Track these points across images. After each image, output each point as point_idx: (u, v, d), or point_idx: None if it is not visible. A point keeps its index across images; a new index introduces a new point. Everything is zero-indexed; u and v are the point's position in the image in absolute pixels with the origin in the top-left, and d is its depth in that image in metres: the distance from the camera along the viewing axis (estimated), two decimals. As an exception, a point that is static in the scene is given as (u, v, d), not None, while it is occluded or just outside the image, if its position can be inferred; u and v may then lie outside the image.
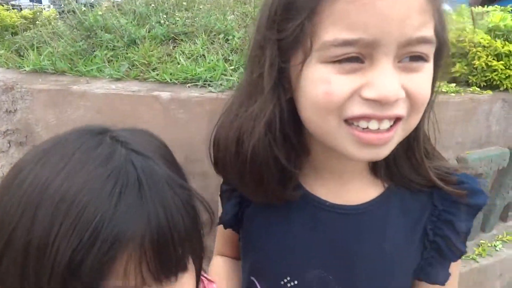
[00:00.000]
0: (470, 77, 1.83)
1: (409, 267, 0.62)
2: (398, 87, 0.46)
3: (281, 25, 0.49)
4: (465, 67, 1.81)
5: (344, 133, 0.50)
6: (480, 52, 1.73)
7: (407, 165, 0.58)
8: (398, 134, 0.52)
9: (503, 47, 1.73)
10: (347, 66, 0.47)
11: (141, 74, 1.72)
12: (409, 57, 0.48)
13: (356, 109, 0.48)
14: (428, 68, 0.50)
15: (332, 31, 0.45)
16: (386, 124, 0.49)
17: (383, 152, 0.51)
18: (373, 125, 0.48)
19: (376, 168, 0.60)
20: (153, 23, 2.09)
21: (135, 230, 0.41)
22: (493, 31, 1.80)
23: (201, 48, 1.88)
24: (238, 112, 0.56)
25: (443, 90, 1.71)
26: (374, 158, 0.52)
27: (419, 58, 0.48)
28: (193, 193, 0.49)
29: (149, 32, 2.05)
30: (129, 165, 0.43)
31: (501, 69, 1.76)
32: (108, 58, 1.88)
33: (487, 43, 1.72)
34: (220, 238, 0.78)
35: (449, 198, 0.59)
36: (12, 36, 2.42)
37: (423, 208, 0.61)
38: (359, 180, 0.61)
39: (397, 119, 0.50)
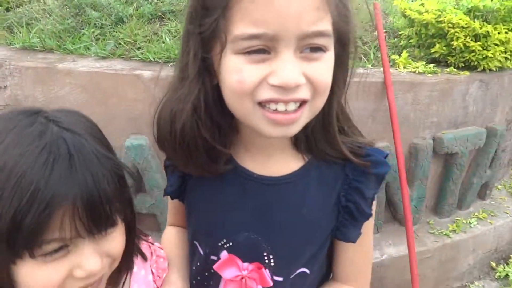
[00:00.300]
0: (449, 57, 1.87)
1: (326, 229, 0.69)
2: (297, 75, 0.52)
3: (201, 20, 0.55)
4: (444, 48, 1.84)
5: (258, 115, 0.56)
6: (458, 33, 1.76)
7: (323, 140, 0.65)
8: (305, 115, 0.58)
9: (481, 28, 1.75)
10: (256, 57, 0.53)
11: (126, 52, 1.76)
12: (309, 48, 0.54)
13: (265, 93, 0.54)
14: (327, 57, 0.56)
15: (240, 26, 0.51)
16: (292, 106, 0.55)
17: (292, 130, 0.58)
18: (281, 107, 0.54)
19: (297, 144, 0.66)
20: (141, 1, 2.12)
21: (66, 193, 0.49)
22: (472, 12, 1.82)
23: (187, 27, 1.92)
24: (172, 95, 0.62)
25: (419, 71, 1.75)
26: (284, 135, 0.60)
27: (318, 49, 0.54)
28: (118, 163, 0.57)
29: (137, 10, 2.08)
30: (61, 140, 0.50)
31: (479, 50, 1.79)
32: (96, 36, 1.92)
33: (466, 24, 1.75)
34: (170, 209, 0.85)
35: (359, 169, 0.66)
36: (5, 11, 2.45)
37: (337, 178, 0.68)
38: (282, 154, 0.67)
39: (302, 102, 0.56)
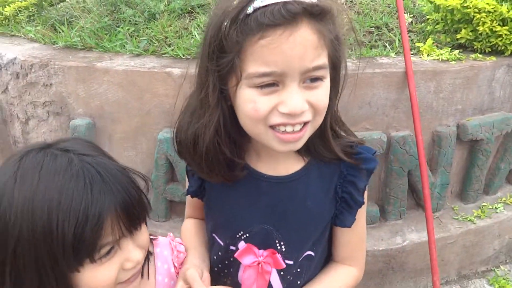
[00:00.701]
0: (475, 43, 1.85)
1: (326, 217, 0.81)
2: (302, 103, 0.64)
3: (218, 60, 0.66)
4: (470, 33, 1.83)
5: (270, 135, 0.68)
6: (484, 17, 1.74)
7: (320, 146, 0.77)
8: (308, 132, 0.71)
9: (508, 12, 1.72)
10: (267, 90, 0.65)
11: (158, 49, 1.88)
12: (310, 79, 0.66)
13: (276, 119, 0.66)
14: (325, 84, 0.68)
15: (253, 66, 0.63)
16: (298, 127, 0.68)
17: (297, 145, 0.71)
18: (289, 128, 0.67)
19: (299, 149, 0.76)
20: (172, -3, 2.22)
21: (109, 204, 0.62)
22: (499, -4, 1.79)
23: (214, 21, 2.00)
24: (192, 119, 0.74)
25: (443, 58, 1.76)
26: (291, 150, 0.73)
27: (317, 79, 0.66)
28: (131, 171, 0.71)
29: (168, 5, 2.19)
30: (87, 165, 0.63)
31: (506, 35, 1.76)
32: (130, 33, 2.05)
33: (492, 8, 1.72)
34: (188, 205, 0.98)
35: (352, 165, 0.79)
36: (49, 7, 2.62)
37: (334, 174, 0.80)
38: (287, 158, 0.80)
39: (305, 123, 0.68)
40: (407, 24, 2.06)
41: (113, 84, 1.73)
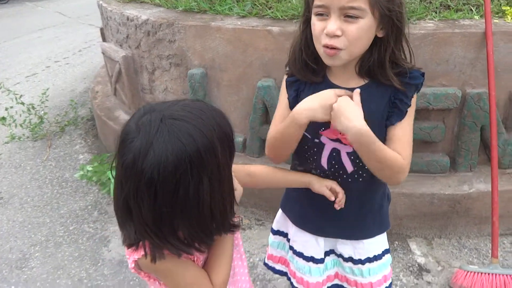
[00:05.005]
0: None
1: (383, 118, 1.05)
2: (335, 29, 0.91)
3: (305, 2, 1.00)
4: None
5: (321, 50, 0.97)
6: None
7: (378, 73, 1.02)
8: (344, 55, 0.95)
9: None
10: (320, 17, 0.94)
11: (260, 12, 2.21)
12: (346, 15, 0.91)
13: (323, 39, 0.94)
14: (360, 22, 0.91)
15: (316, 1, 0.94)
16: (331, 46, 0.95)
17: (336, 61, 0.97)
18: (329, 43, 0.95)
19: (360, 73, 1.03)
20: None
21: None
22: None
23: (310, -13, 2.27)
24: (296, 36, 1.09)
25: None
26: (332, 65, 1.00)
27: (352, 16, 0.90)
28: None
29: (269, -26, 2.49)
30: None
31: None
32: (237, -2, 2.40)
33: None
34: (278, 121, 1.14)
35: (403, 80, 1.01)
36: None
37: (389, 88, 1.03)
38: (353, 77, 1.05)
39: (337, 48, 0.95)
40: (498, -11, 2.12)
41: (223, 39, 2.11)
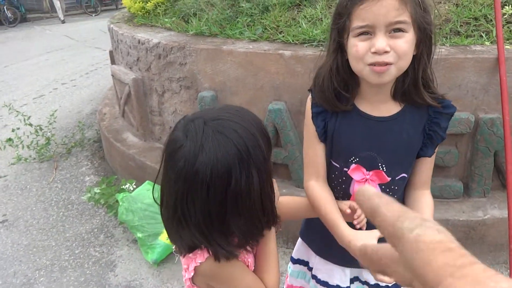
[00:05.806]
0: None
1: (416, 147, 1.04)
2: (385, 45, 0.88)
3: (337, 21, 0.97)
4: None
5: (367, 70, 0.93)
6: None
7: (413, 93, 1.00)
8: (393, 71, 0.92)
9: None
10: (363, 37, 0.91)
11: (271, 36, 2.23)
12: (393, 30, 0.90)
13: (369, 58, 0.91)
14: (406, 36, 0.89)
15: (356, 22, 0.91)
16: (383, 63, 0.91)
17: (385, 78, 0.93)
18: (378, 61, 0.91)
19: (395, 96, 1.02)
20: (282, -8, 2.55)
21: None
22: None
23: (320, 12, 2.30)
24: (321, 68, 1.05)
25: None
26: (381, 82, 0.94)
27: (399, 30, 0.89)
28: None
29: (279, -1, 2.53)
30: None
31: None
32: (247, 23, 2.43)
33: None
34: (312, 160, 1.15)
35: (437, 109, 1.01)
36: (179, 1, 3.13)
37: (423, 116, 1.02)
38: (386, 103, 1.03)
39: (389, 64, 0.92)
40: (507, 15, 2.14)
41: (235, 63, 2.12)
